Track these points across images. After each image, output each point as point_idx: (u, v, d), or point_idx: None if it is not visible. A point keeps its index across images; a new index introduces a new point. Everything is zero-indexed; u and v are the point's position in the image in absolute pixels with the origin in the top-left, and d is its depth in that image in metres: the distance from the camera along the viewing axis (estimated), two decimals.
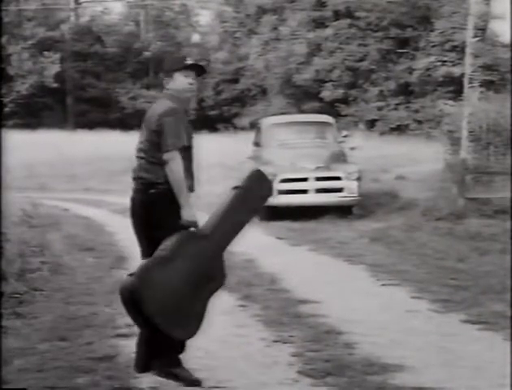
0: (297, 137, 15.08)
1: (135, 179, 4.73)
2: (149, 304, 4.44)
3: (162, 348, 4.64)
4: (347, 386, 4.55)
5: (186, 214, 4.55)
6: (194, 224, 4.60)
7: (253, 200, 4.81)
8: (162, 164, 4.57)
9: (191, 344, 5.53)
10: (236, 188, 4.76)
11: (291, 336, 5.66)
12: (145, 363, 4.68)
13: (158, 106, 4.72)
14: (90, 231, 12.62)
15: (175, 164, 4.53)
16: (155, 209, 4.59)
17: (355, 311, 6.54)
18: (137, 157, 4.71)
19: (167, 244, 4.53)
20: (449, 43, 33.39)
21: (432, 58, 33.67)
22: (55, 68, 41.25)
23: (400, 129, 34.32)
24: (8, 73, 39.58)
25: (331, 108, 34.05)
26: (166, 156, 4.54)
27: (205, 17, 52.45)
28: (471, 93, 15.05)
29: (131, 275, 4.51)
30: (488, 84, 24.01)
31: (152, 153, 4.60)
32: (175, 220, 4.55)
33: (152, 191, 4.59)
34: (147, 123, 4.70)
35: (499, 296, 6.84)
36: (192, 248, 4.58)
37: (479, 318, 6.16)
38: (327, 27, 37.70)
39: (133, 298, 4.45)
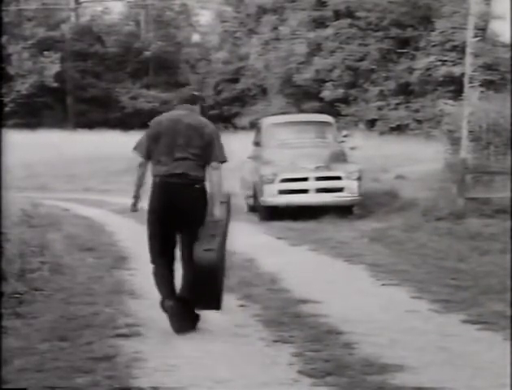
0: (297, 137, 15.06)
1: (180, 175, 5.85)
2: (221, 279, 5.48)
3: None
4: (347, 386, 4.55)
5: (217, 212, 5.83)
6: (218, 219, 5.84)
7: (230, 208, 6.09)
8: (205, 167, 5.94)
9: (191, 343, 5.55)
10: (223, 202, 5.95)
11: (291, 336, 5.66)
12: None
13: (197, 118, 6.02)
14: (90, 231, 12.63)
15: (219, 172, 5.96)
16: (197, 199, 5.89)
17: (355, 311, 6.54)
18: (186, 158, 5.87)
19: (217, 229, 5.66)
20: (449, 43, 33.36)
21: (432, 58, 33.62)
22: (55, 68, 41.26)
23: (400, 129, 34.29)
24: (8, 73, 39.59)
25: (331, 108, 34.01)
26: (214, 164, 5.95)
27: (205, 17, 52.47)
28: (471, 93, 15.01)
29: (208, 250, 5.50)
30: (488, 84, 23.98)
31: (203, 158, 5.93)
32: (206, 209, 5.84)
33: (197, 186, 5.91)
34: (193, 134, 5.91)
35: (499, 296, 6.83)
36: (224, 234, 5.76)
37: (479, 318, 6.16)
38: (327, 26, 37.68)
39: (213, 271, 5.41)
